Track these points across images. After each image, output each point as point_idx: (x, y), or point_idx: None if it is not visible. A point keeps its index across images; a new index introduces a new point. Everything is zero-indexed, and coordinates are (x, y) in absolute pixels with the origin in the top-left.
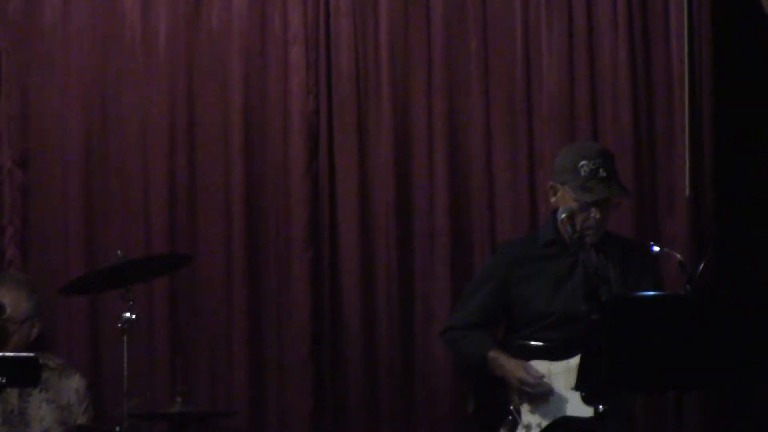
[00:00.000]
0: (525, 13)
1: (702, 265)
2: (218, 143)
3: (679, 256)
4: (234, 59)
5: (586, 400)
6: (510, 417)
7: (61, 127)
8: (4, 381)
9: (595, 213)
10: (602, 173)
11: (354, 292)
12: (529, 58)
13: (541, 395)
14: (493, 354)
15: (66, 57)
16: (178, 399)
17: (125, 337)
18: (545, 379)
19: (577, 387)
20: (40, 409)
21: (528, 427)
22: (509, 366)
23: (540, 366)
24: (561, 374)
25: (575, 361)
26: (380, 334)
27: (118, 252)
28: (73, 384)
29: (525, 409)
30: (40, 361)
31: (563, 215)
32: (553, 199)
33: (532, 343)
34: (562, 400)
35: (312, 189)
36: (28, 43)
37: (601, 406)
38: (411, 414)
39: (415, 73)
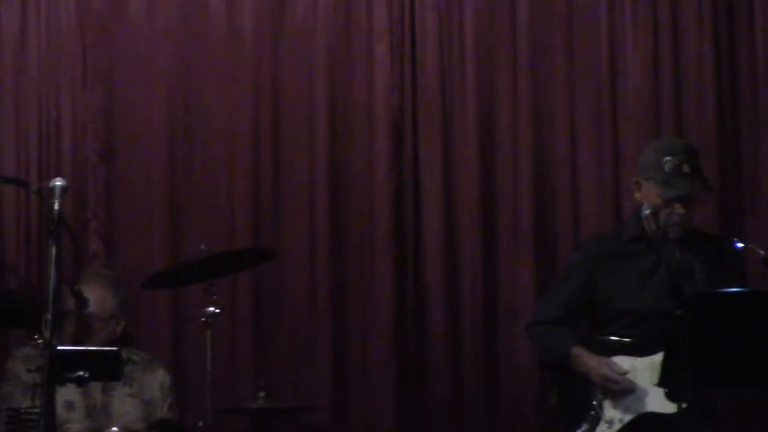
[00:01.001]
0: (610, 10)
1: None
2: (303, 139)
3: (762, 252)
4: (319, 54)
5: (670, 396)
6: (592, 412)
7: (145, 121)
8: (87, 375)
9: (679, 209)
10: (686, 169)
11: (438, 289)
12: (614, 55)
13: (622, 392)
14: (576, 350)
15: (151, 51)
16: (262, 394)
17: (209, 332)
18: (629, 375)
19: (661, 383)
20: (124, 404)
21: (610, 422)
22: (592, 363)
23: (624, 362)
24: (645, 370)
25: (659, 357)
26: (464, 330)
27: (202, 246)
28: (158, 379)
29: (607, 404)
30: (124, 355)
31: (647, 211)
32: (637, 195)
33: (616, 339)
34: (646, 396)
35: (396, 185)
36: (113, 38)
37: (684, 403)
38: (495, 409)
39: (499, 69)
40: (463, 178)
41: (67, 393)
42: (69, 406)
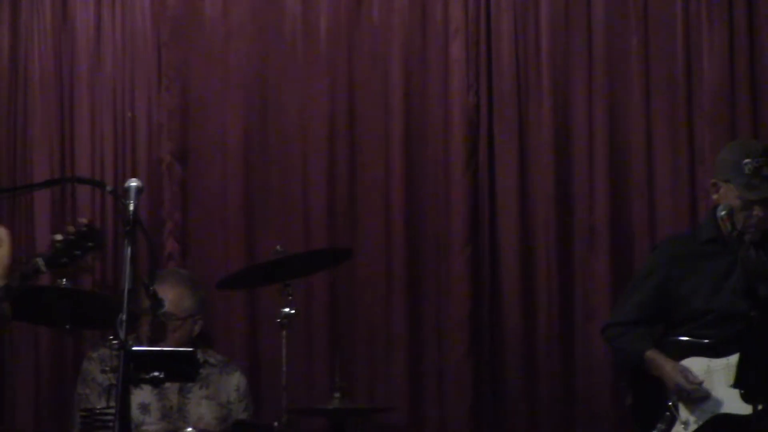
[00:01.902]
0: (686, 10)
1: None
2: (378, 138)
3: None
4: (395, 54)
5: (746, 397)
6: (668, 413)
7: (220, 121)
8: (162, 376)
9: (758, 211)
10: (766, 171)
11: (513, 288)
12: (690, 55)
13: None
14: (650, 354)
15: (226, 51)
16: (337, 394)
17: (284, 332)
18: (704, 376)
19: (736, 384)
20: (200, 406)
21: (686, 423)
22: (667, 368)
23: (699, 363)
24: (720, 371)
25: (735, 358)
26: (540, 329)
27: (278, 247)
28: (234, 381)
29: (683, 405)
30: (201, 357)
31: (722, 212)
32: (714, 197)
33: (692, 340)
34: (721, 398)
35: (472, 184)
36: (189, 37)
37: (760, 404)
38: (570, 409)
39: (575, 69)
40: (539, 177)
41: (142, 395)
42: (144, 408)
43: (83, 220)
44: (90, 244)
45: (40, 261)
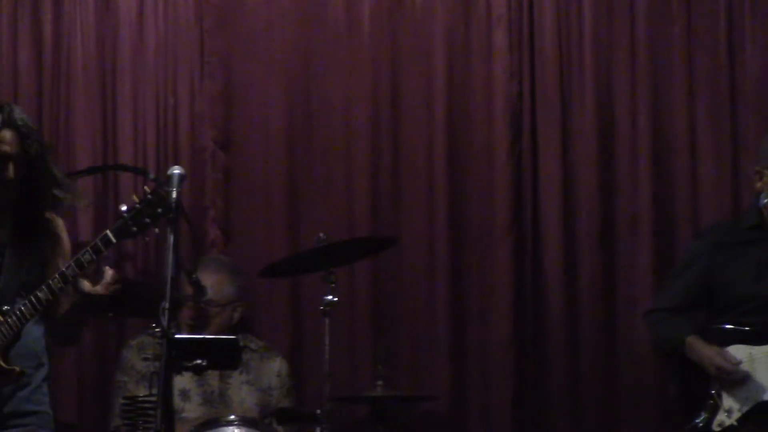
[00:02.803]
0: None
1: None
2: (422, 126)
3: None
4: (437, 41)
5: None
6: (711, 401)
7: (264, 108)
8: (204, 363)
9: None
10: None
11: (556, 275)
12: (732, 43)
13: (738, 381)
14: (690, 339)
15: (269, 38)
16: (380, 382)
17: (327, 320)
18: (745, 364)
19: None
20: (241, 391)
21: (729, 411)
22: (706, 352)
23: (741, 350)
24: (763, 359)
25: None
26: (583, 317)
27: (321, 234)
28: (275, 367)
29: (726, 393)
30: (242, 343)
31: (766, 200)
32: (758, 185)
33: (734, 327)
34: (764, 385)
35: (515, 172)
36: (232, 25)
37: None
38: (614, 397)
39: (618, 57)
40: (581, 165)
41: (182, 381)
42: (184, 394)
43: (147, 188)
44: (159, 210)
45: (109, 233)
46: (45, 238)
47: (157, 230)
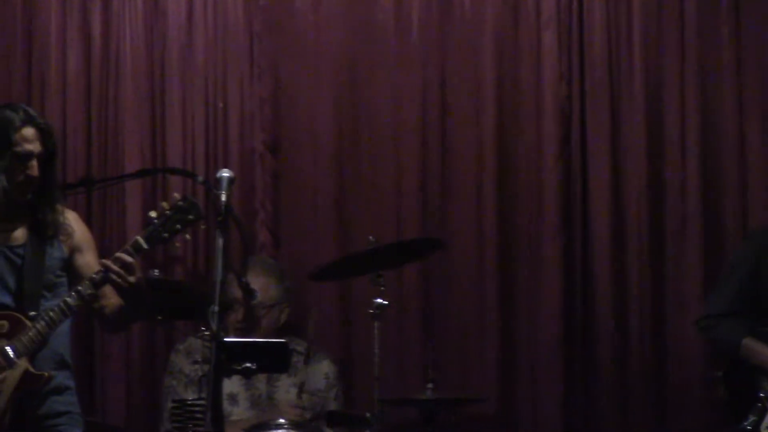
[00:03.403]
0: None
1: None
2: (470, 128)
3: None
4: (486, 43)
5: None
6: (759, 404)
7: (312, 111)
8: (254, 367)
9: None
10: None
11: (605, 277)
12: None
13: None
14: (747, 341)
15: (318, 41)
16: (429, 385)
17: (376, 323)
18: None
19: None
20: (288, 394)
21: None
22: (766, 352)
23: None
24: None
25: None
26: (632, 318)
27: (370, 237)
28: (323, 369)
29: None
30: (290, 346)
31: None
32: None
33: None
34: None
35: (564, 174)
36: (281, 28)
37: None
38: (662, 399)
39: (667, 58)
40: (631, 166)
41: (230, 385)
42: (232, 398)
43: (177, 195)
44: (190, 217)
45: (140, 239)
46: (61, 235)
47: (188, 237)
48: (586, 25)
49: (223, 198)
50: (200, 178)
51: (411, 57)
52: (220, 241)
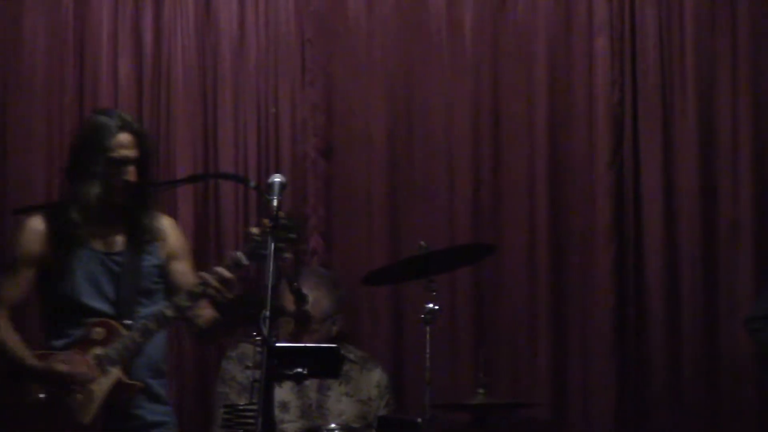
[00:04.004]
0: None
1: None
2: (522, 133)
3: None
4: (539, 48)
5: None
6: None
7: (364, 116)
8: (305, 372)
9: None
10: None
11: (658, 283)
12: None
13: None
14: None
15: (370, 47)
16: (481, 390)
17: (428, 328)
18: None
19: None
20: (340, 403)
21: None
22: None
23: None
24: None
25: None
26: (684, 323)
27: (421, 242)
28: (374, 378)
29: None
30: (341, 353)
31: None
32: None
33: None
34: None
35: (616, 179)
36: (333, 33)
37: None
38: (715, 404)
39: (719, 63)
40: (683, 172)
41: (281, 393)
42: (283, 406)
43: (281, 213)
44: (292, 235)
45: (240, 255)
46: (158, 241)
47: (288, 255)
48: (639, 31)
49: (275, 203)
50: (252, 184)
51: (463, 62)
52: (271, 247)
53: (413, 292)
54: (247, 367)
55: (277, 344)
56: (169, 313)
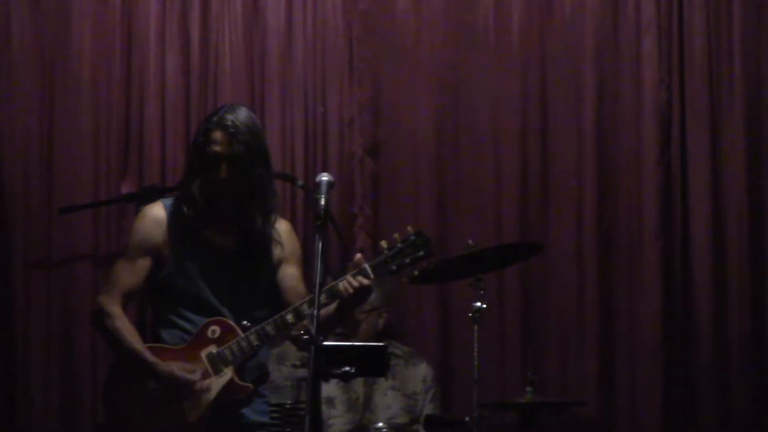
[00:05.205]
0: None
1: None
2: (570, 132)
3: None
4: (587, 47)
5: None
6: None
7: (412, 115)
8: (353, 371)
9: None
10: None
11: (705, 281)
12: None
13: None
14: None
15: (417, 45)
16: (529, 388)
17: (476, 327)
18: None
19: None
20: (386, 397)
21: None
22: None
23: None
24: None
25: None
26: (732, 321)
27: (470, 241)
28: (420, 372)
29: None
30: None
31: None
32: None
33: None
34: None
35: (664, 178)
36: (380, 32)
37: None
38: (764, 400)
39: (767, 62)
40: (731, 170)
41: (327, 389)
42: (329, 402)
43: (411, 229)
44: (421, 253)
45: (368, 267)
46: (271, 246)
47: (416, 273)
48: (686, 30)
49: (322, 202)
50: (300, 182)
51: (511, 61)
52: (318, 245)
53: (461, 290)
54: (294, 366)
55: (326, 343)
56: (290, 319)
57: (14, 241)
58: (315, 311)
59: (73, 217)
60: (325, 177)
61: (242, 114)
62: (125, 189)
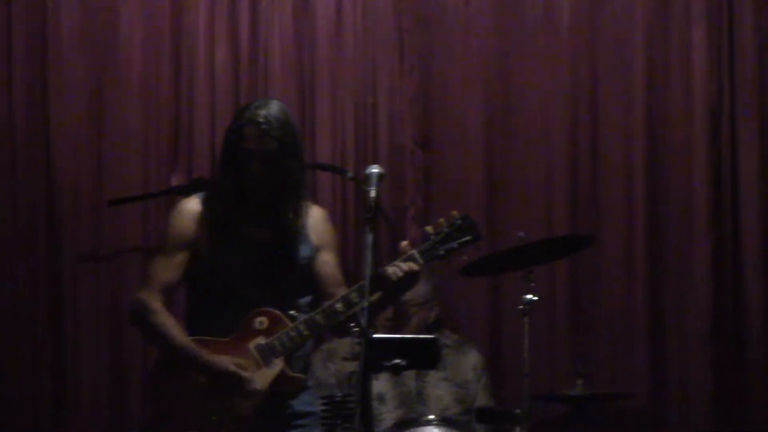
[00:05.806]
0: None
1: None
2: (620, 124)
3: None
4: (636, 39)
5: None
6: None
7: (462, 107)
8: (404, 363)
9: None
10: None
11: (756, 274)
12: None
13: None
14: None
15: (467, 36)
16: (579, 381)
17: (526, 319)
18: None
19: None
20: (438, 389)
21: None
22: None
23: None
24: None
25: None
26: None
27: (520, 234)
28: (471, 360)
29: None
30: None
31: None
32: None
33: None
34: None
35: (714, 170)
36: (430, 23)
37: None
38: None
39: None
40: None
41: (377, 385)
42: (380, 398)
43: (456, 213)
44: (467, 237)
45: (416, 253)
46: (307, 234)
47: (465, 257)
48: (737, 22)
49: (372, 194)
50: (350, 174)
51: (561, 53)
52: (369, 237)
53: (511, 283)
54: (344, 359)
55: (376, 335)
56: (339, 307)
57: (64, 234)
58: (365, 304)
59: (122, 211)
60: (375, 169)
61: (274, 108)
62: (175, 182)
